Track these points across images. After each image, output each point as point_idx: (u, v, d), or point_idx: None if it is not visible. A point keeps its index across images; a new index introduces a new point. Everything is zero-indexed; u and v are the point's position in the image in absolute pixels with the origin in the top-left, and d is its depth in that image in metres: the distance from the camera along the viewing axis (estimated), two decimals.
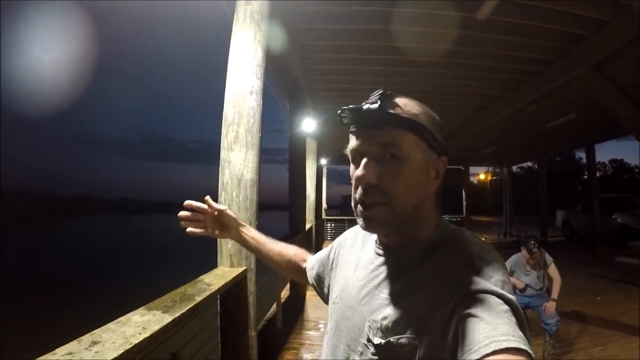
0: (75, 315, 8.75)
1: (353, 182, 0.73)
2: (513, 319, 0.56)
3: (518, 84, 6.51)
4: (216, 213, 1.18)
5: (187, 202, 1.15)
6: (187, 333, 1.74)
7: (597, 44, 4.62)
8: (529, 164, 34.06)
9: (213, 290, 1.84)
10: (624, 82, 4.80)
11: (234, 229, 1.22)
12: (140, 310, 1.43)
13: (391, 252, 0.78)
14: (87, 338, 1.13)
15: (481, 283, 0.61)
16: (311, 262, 1.14)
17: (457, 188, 17.70)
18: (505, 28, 4.60)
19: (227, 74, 2.64)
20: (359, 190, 0.71)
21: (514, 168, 22.28)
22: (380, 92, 0.70)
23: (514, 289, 3.71)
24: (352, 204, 0.74)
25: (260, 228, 2.35)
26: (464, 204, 17.60)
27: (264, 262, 1.30)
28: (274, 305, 4.64)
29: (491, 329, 0.53)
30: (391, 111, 0.69)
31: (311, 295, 5.57)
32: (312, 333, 4.51)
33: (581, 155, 31.49)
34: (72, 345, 1.08)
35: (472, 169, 22.29)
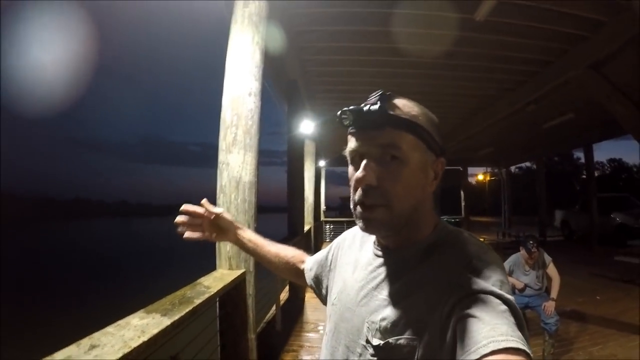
0: (74, 318, 8.75)
1: (352, 183, 0.73)
2: (511, 319, 0.56)
3: (516, 84, 6.51)
4: (213, 216, 1.18)
5: (184, 207, 1.15)
6: (187, 336, 1.74)
7: (595, 44, 4.63)
8: (528, 164, 34.22)
9: (212, 293, 1.83)
10: (622, 82, 4.81)
11: (231, 232, 1.22)
12: (139, 313, 1.42)
13: (390, 253, 0.78)
14: (85, 342, 1.12)
15: (479, 283, 0.61)
16: (309, 264, 1.14)
17: (456, 189, 17.69)
18: (503, 29, 4.61)
19: (225, 76, 2.63)
20: (359, 191, 0.71)
21: (513, 168, 22.36)
22: (380, 92, 0.69)
23: (514, 289, 3.73)
24: (351, 206, 0.74)
25: (259, 230, 2.35)
26: (463, 204, 17.59)
27: (262, 264, 1.29)
28: (273, 308, 4.62)
29: (489, 329, 0.53)
30: (391, 112, 0.69)
31: (310, 297, 5.57)
32: (311, 335, 4.51)
33: (579, 155, 31.65)
34: (70, 349, 1.07)
35: (471, 170, 22.39)
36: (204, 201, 1.17)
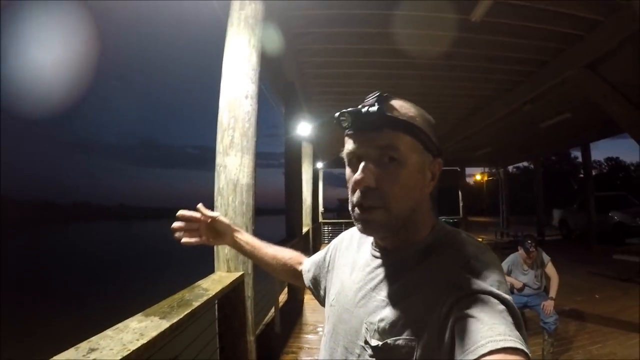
0: (73, 321, 8.75)
1: (350, 185, 0.73)
2: (509, 318, 0.57)
3: (513, 84, 6.52)
4: (209, 220, 1.19)
5: (180, 213, 1.15)
6: (185, 339, 1.74)
7: (591, 44, 4.64)
8: (525, 163, 34.31)
9: (210, 296, 1.83)
10: (618, 81, 4.82)
11: (228, 235, 1.23)
12: (138, 316, 1.42)
13: (388, 255, 0.78)
14: (84, 345, 1.12)
15: (477, 283, 0.61)
16: (307, 265, 1.14)
17: (454, 189, 17.72)
18: (499, 29, 4.62)
19: (222, 78, 2.64)
20: (357, 193, 0.71)
21: (510, 168, 22.36)
22: (377, 94, 0.69)
23: (512, 289, 3.74)
24: (350, 207, 0.74)
25: (257, 232, 2.34)
26: (461, 205, 17.61)
27: (260, 267, 1.30)
28: (272, 310, 4.62)
29: (488, 329, 0.53)
30: (388, 114, 0.69)
31: (309, 299, 5.56)
32: (310, 337, 4.51)
33: (577, 154, 31.64)
34: (69, 353, 1.07)
35: (468, 170, 22.41)
36: (200, 206, 1.18)
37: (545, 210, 15.13)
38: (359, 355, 0.72)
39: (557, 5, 4.17)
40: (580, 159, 15.09)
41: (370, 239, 0.85)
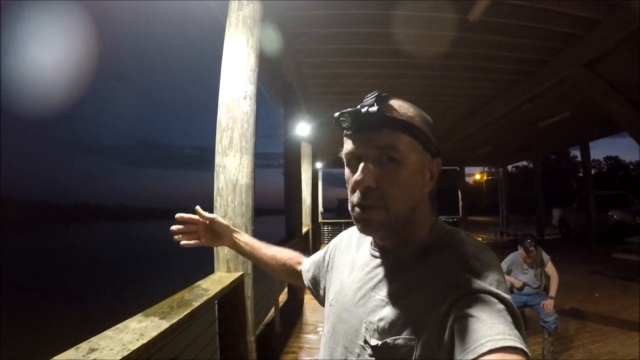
0: (73, 321, 8.75)
1: (350, 185, 0.73)
2: (509, 317, 0.57)
3: (512, 83, 6.53)
4: (208, 222, 1.19)
5: (178, 215, 1.16)
6: (185, 339, 1.74)
7: (589, 43, 4.65)
8: (524, 163, 34.26)
9: (210, 296, 1.83)
10: (617, 79, 4.83)
11: (227, 236, 1.23)
12: (138, 316, 1.42)
13: (387, 254, 0.79)
14: (84, 345, 1.12)
15: (477, 283, 0.62)
16: (306, 265, 1.14)
17: (453, 189, 17.71)
18: (498, 29, 4.63)
19: (221, 79, 2.64)
20: (357, 193, 0.71)
21: (510, 167, 22.37)
22: (376, 93, 0.69)
23: (512, 288, 3.74)
24: (349, 207, 0.74)
25: (256, 233, 2.34)
26: (460, 204, 17.59)
27: (259, 267, 1.30)
28: (272, 310, 4.62)
29: (487, 328, 0.53)
30: (388, 114, 0.69)
31: (309, 299, 5.55)
32: (310, 336, 4.50)
33: (576, 153, 31.66)
34: (69, 353, 1.07)
35: (468, 170, 22.41)
36: (198, 208, 1.18)
37: (544, 210, 15.12)
38: (359, 355, 0.72)
39: (555, 5, 4.18)
40: (579, 158, 15.11)
41: (369, 238, 0.85)
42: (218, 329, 2.28)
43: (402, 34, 4.69)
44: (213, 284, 2.06)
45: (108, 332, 1.24)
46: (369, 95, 0.70)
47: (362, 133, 0.70)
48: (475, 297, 0.59)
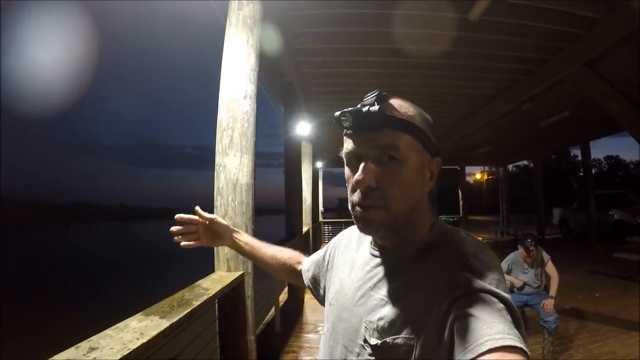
0: (73, 321, 8.75)
1: (350, 185, 0.73)
2: (508, 317, 0.57)
3: (512, 83, 6.53)
4: (207, 222, 1.19)
5: (178, 216, 1.16)
6: (186, 338, 1.74)
7: (589, 42, 4.65)
8: (525, 162, 34.26)
9: (210, 295, 1.83)
10: (617, 79, 4.82)
11: (227, 236, 1.23)
12: (138, 315, 1.42)
13: (387, 253, 0.78)
14: (84, 345, 1.12)
15: (476, 282, 0.61)
16: (306, 264, 1.14)
17: (454, 188, 17.72)
18: (498, 28, 4.63)
19: (221, 78, 2.64)
20: (357, 192, 0.71)
21: (510, 167, 22.36)
22: (376, 93, 0.69)
23: (512, 288, 3.74)
24: (349, 206, 0.74)
25: (257, 232, 2.34)
26: (461, 204, 17.61)
27: (259, 267, 1.30)
28: (273, 309, 4.62)
29: (487, 328, 0.53)
30: (388, 113, 0.68)
31: (309, 298, 5.55)
32: (311, 336, 4.50)
33: (576, 152, 31.70)
34: (69, 352, 1.07)
35: (468, 169, 22.41)
36: (197, 208, 1.18)
37: (545, 209, 15.10)
38: (359, 354, 0.72)
39: (555, 4, 4.18)
40: (580, 158, 15.11)
41: (369, 238, 0.85)
42: (218, 328, 2.28)
43: (402, 34, 4.69)
44: (213, 284, 2.06)
45: (108, 331, 1.24)
46: (369, 94, 0.70)
47: (362, 132, 0.70)
48: (475, 297, 0.59)
